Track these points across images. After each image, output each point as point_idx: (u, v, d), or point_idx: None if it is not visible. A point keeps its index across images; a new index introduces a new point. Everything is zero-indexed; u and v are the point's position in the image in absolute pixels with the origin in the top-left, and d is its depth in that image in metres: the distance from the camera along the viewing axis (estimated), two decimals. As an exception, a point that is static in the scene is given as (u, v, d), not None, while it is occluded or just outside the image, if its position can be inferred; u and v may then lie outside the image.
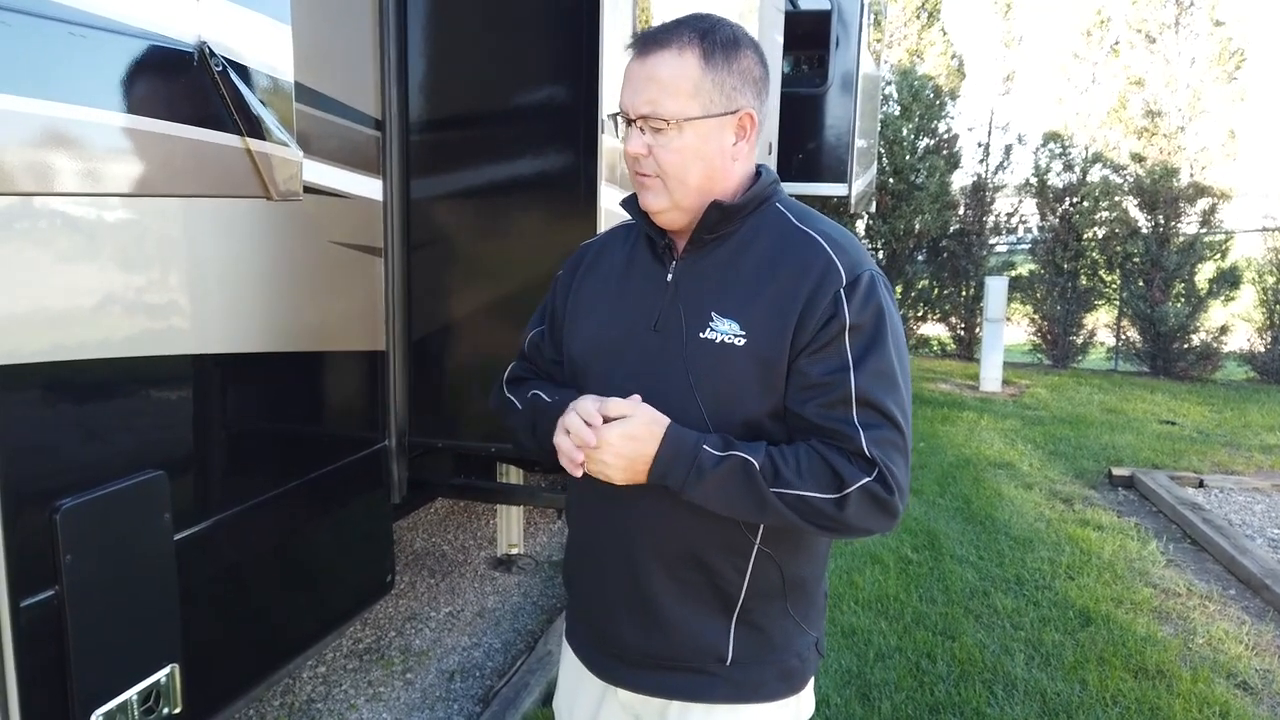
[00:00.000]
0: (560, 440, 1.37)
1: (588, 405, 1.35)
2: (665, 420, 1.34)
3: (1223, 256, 10.35)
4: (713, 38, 1.36)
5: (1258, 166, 12.62)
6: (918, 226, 11.59)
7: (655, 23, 1.43)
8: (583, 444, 1.33)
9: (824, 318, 1.33)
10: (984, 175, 11.89)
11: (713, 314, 1.38)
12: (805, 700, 1.55)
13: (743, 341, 1.35)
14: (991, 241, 11.91)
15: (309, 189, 2.20)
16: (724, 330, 1.36)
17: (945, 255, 11.93)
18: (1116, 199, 10.72)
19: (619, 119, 1.43)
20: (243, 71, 1.88)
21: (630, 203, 1.51)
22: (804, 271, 1.36)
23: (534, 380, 1.63)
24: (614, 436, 1.32)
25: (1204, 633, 3.81)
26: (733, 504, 1.33)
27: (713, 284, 1.41)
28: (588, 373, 1.48)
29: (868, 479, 1.29)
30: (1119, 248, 10.72)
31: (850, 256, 1.37)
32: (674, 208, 1.41)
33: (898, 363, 1.35)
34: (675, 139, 1.36)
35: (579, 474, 1.36)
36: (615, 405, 1.34)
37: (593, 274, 1.57)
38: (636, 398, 1.36)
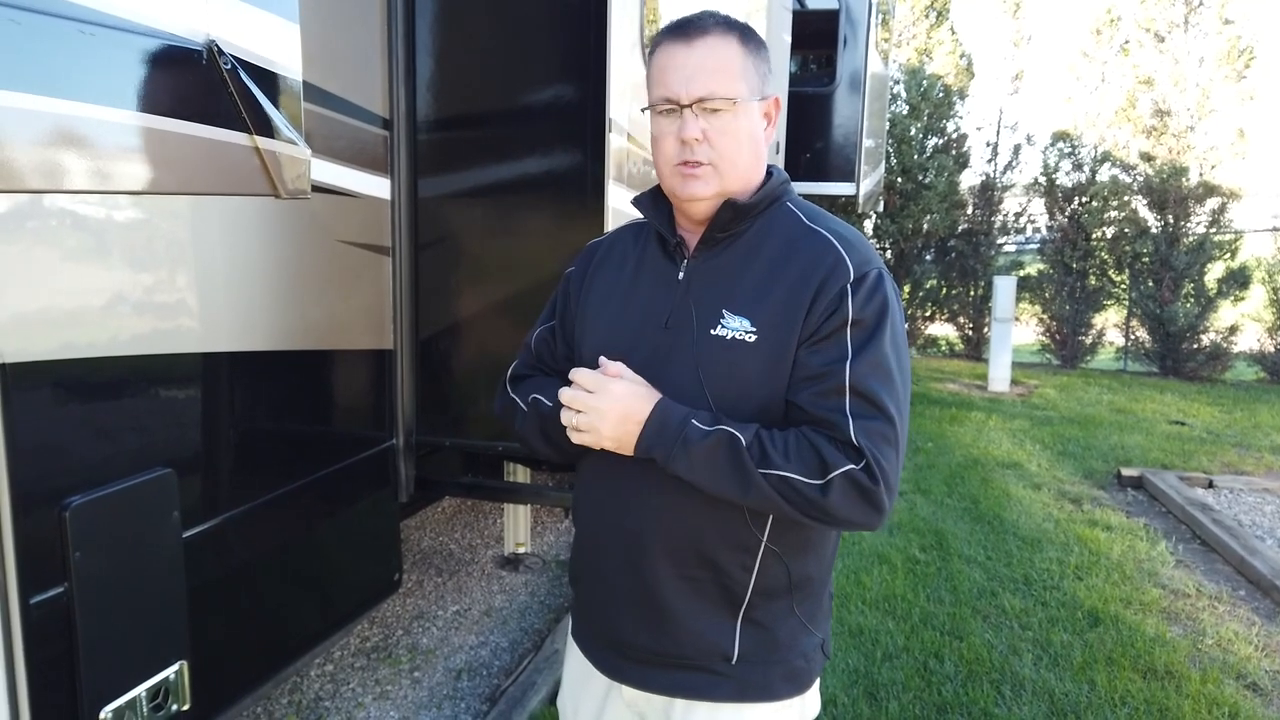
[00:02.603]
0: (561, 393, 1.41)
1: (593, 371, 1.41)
2: (659, 394, 1.37)
3: (1232, 256, 10.31)
4: (741, 26, 1.40)
5: (1267, 166, 12.56)
6: (926, 226, 11.57)
7: (662, 23, 1.44)
8: (585, 384, 1.38)
9: (828, 311, 1.34)
10: (992, 175, 11.86)
11: (724, 311, 1.38)
12: (810, 701, 1.55)
13: (754, 338, 1.36)
14: (1000, 241, 11.88)
15: (317, 188, 2.21)
16: (735, 327, 1.37)
17: (953, 255, 11.91)
18: (1125, 198, 10.68)
19: (656, 110, 1.41)
20: (251, 70, 1.88)
21: (641, 201, 1.51)
22: (814, 268, 1.36)
23: (536, 378, 1.63)
24: (616, 385, 1.36)
25: (1213, 633, 3.79)
26: (717, 480, 1.32)
27: (724, 282, 1.42)
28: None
29: (853, 466, 1.29)
30: (1128, 247, 10.68)
31: (860, 255, 1.38)
32: (720, 193, 1.41)
33: (895, 358, 1.36)
34: (730, 121, 1.38)
35: (576, 437, 1.40)
36: (614, 367, 1.39)
37: (603, 272, 1.57)
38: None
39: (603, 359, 1.40)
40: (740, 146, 1.39)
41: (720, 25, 1.39)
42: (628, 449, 1.36)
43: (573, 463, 1.58)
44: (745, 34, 1.40)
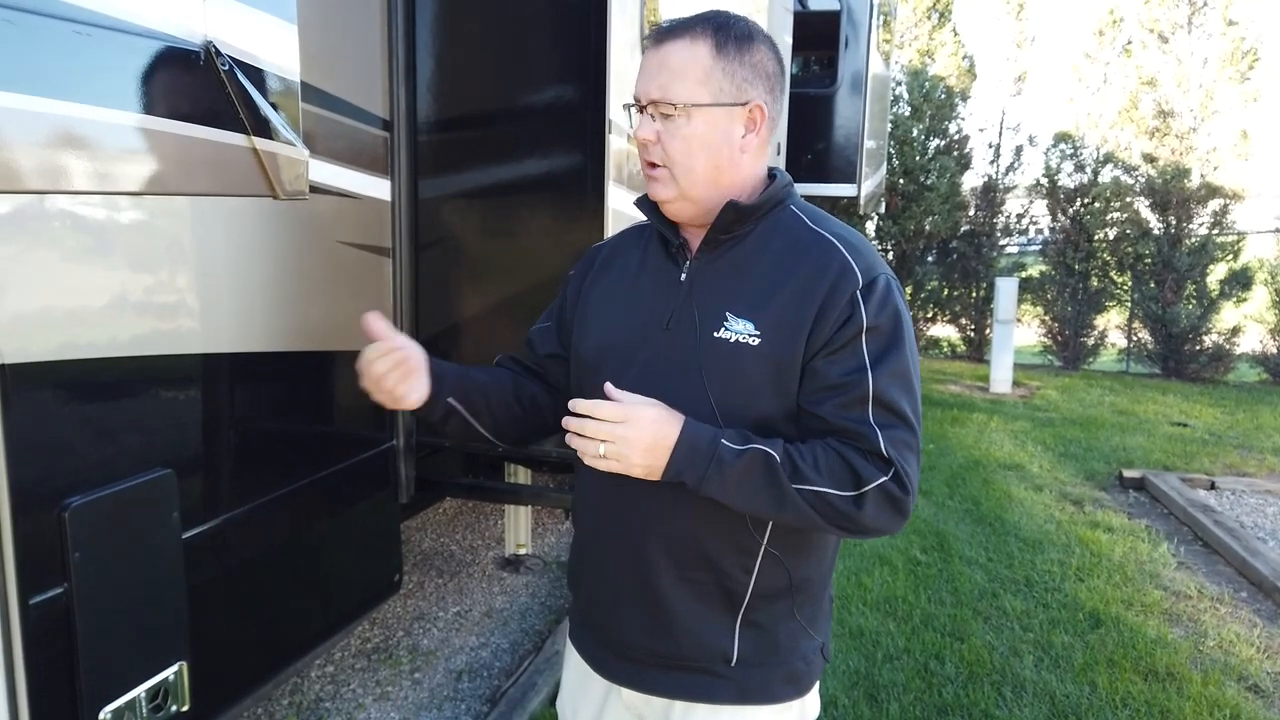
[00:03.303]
0: (581, 426, 1.34)
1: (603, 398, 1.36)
2: (682, 415, 1.34)
3: (1235, 257, 10.30)
4: (726, 30, 1.39)
5: (1270, 167, 12.54)
6: (928, 227, 11.56)
7: (662, 22, 1.45)
8: (610, 418, 1.31)
9: (841, 319, 1.33)
10: (994, 176, 11.85)
11: (727, 314, 1.38)
12: (810, 703, 1.54)
13: (757, 341, 1.35)
14: (1002, 242, 11.87)
15: (316, 189, 2.21)
16: (738, 330, 1.36)
17: (955, 256, 11.90)
18: (1128, 200, 10.67)
19: (632, 109, 1.44)
20: (249, 71, 1.89)
21: (644, 202, 1.51)
22: (820, 273, 1.36)
23: (501, 370, 1.72)
24: (645, 412, 1.32)
25: (1215, 635, 3.79)
26: (752, 499, 1.32)
27: (727, 284, 1.41)
28: (599, 372, 1.47)
29: (885, 478, 1.30)
30: (1130, 249, 10.67)
31: (866, 259, 1.38)
32: (681, 198, 1.41)
33: (912, 365, 1.36)
34: (684, 126, 1.37)
35: (601, 464, 1.34)
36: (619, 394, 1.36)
37: (605, 274, 1.58)
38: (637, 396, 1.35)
39: (609, 386, 1.35)
40: (692, 152, 1.38)
41: (696, 30, 1.38)
42: (656, 474, 1.33)
43: (513, 444, 1.64)
44: (725, 39, 1.37)
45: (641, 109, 1.41)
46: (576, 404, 1.34)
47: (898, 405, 1.32)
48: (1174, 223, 10.39)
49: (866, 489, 1.29)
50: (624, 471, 1.34)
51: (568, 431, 1.35)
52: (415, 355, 1.51)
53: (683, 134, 1.38)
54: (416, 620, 3.84)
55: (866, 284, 1.34)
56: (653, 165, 1.42)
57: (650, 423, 1.32)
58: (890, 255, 11.88)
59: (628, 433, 1.31)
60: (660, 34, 1.41)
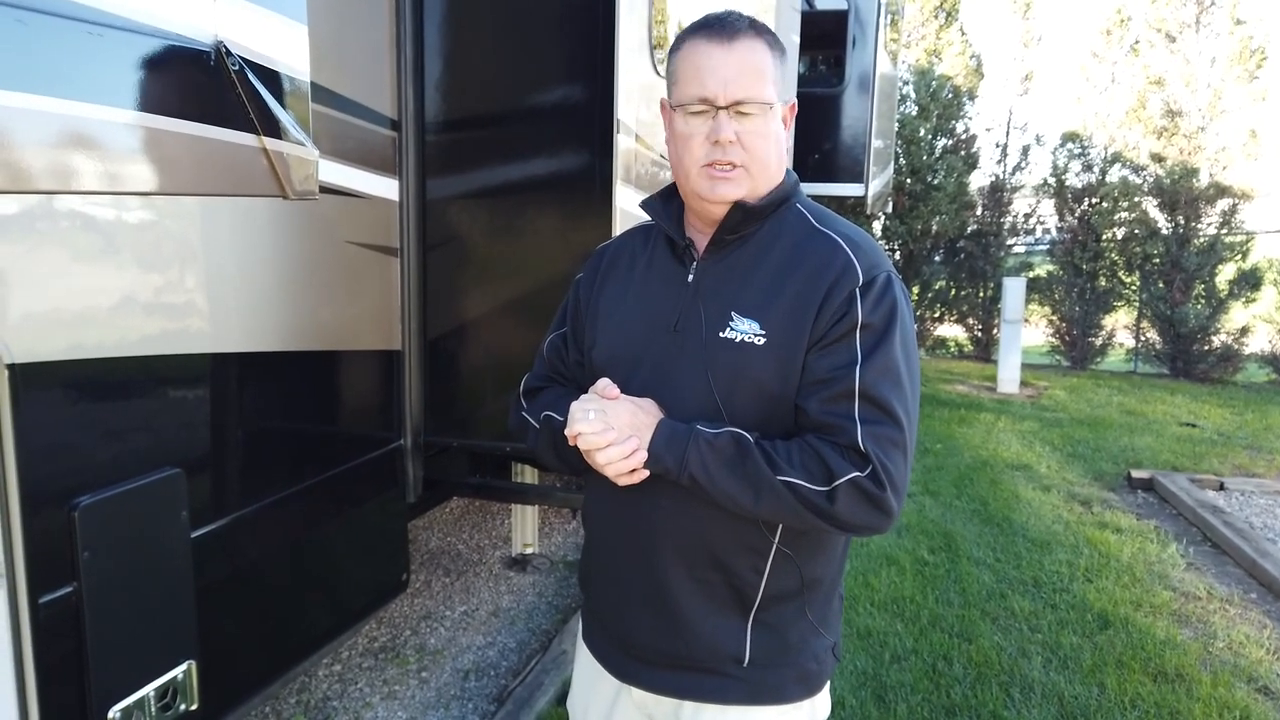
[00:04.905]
0: (609, 453, 1.35)
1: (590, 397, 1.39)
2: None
3: (1243, 257, 10.27)
4: (766, 29, 1.40)
5: (1279, 166, 12.48)
6: (935, 227, 11.55)
7: (670, 24, 1.44)
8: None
9: (837, 315, 1.33)
10: (1002, 175, 11.84)
11: (733, 314, 1.38)
12: (821, 703, 1.54)
13: (762, 341, 1.35)
14: (1009, 242, 11.86)
15: (325, 189, 2.21)
16: (744, 330, 1.36)
17: (963, 256, 11.88)
18: (1136, 199, 10.64)
19: (688, 110, 1.39)
20: (259, 71, 1.89)
21: (651, 203, 1.51)
22: (823, 271, 1.36)
23: (548, 390, 1.62)
24: (622, 408, 1.36)
25: (1224, 636, 3.77)
26: (729, 480, 1.31)
27: (733, 284, 1.41)
28: (608, 376, 1.47)
29: (858, 473, 1.28)
30: (1138, 248, 10.65)
31: (869, 258, 1.37)
32: (750, 194, 1.41)
33: (904, 362, 1.35)
34: (763, 124, 1.37)
35: (638, 478, 1.37)
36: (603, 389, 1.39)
37: (612, 276, 1.57)
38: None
39: (606, 381, 1.40)
40: (769, 149, 1.39)
41: (751, 28, 1.38)
42: (640, 459, 1.35)
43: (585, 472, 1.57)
44: (772, 38, 1.40)
45: (716, 110, 1.36)
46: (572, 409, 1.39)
47: (885, 401, 1.30)
48: (1182, 222, 10.37)
49: (837, 484, 1.28)
50: (611, 442, 1.34)
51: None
52: None
53: (762, 132, 1.38)
54: (424, 619, 3.84)
55: (866, 282, 1.34)
56: (724, 165, 1.38)
57: (630, 412, 1.36)
58: (897, 255, 11.87)
59: (609, 406, 1.36)
60: (723, 32, 1.37)
